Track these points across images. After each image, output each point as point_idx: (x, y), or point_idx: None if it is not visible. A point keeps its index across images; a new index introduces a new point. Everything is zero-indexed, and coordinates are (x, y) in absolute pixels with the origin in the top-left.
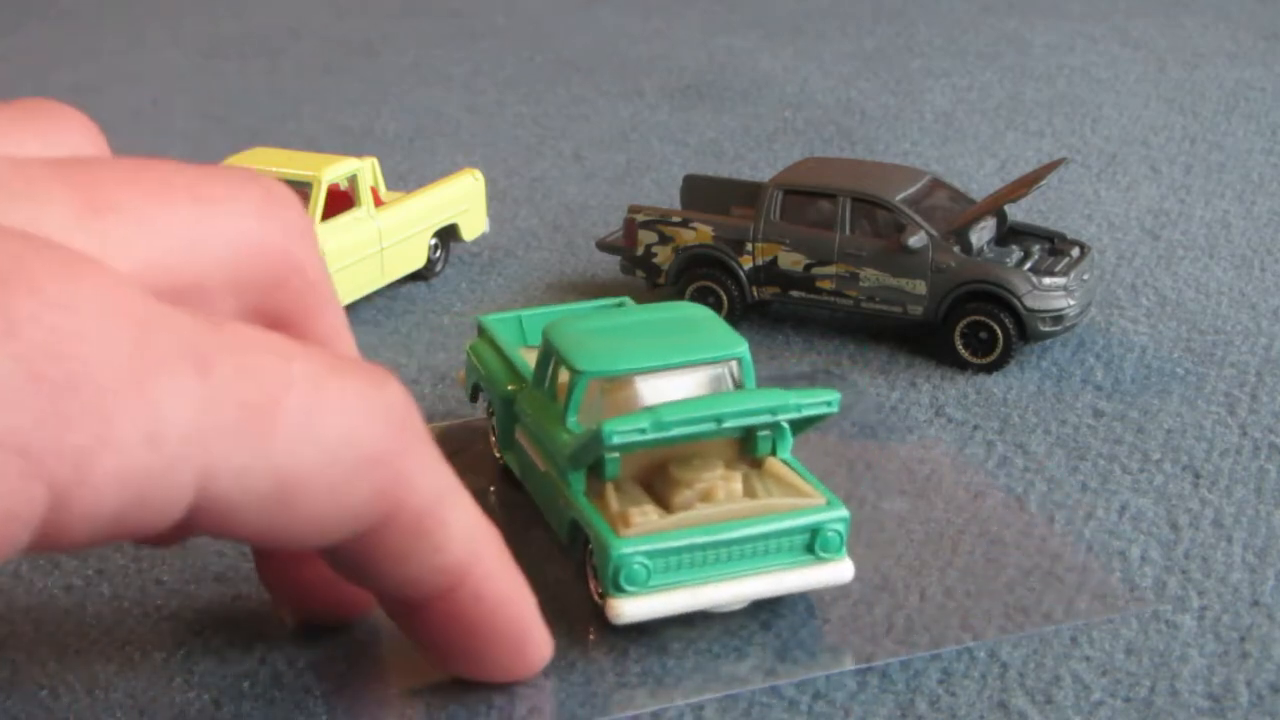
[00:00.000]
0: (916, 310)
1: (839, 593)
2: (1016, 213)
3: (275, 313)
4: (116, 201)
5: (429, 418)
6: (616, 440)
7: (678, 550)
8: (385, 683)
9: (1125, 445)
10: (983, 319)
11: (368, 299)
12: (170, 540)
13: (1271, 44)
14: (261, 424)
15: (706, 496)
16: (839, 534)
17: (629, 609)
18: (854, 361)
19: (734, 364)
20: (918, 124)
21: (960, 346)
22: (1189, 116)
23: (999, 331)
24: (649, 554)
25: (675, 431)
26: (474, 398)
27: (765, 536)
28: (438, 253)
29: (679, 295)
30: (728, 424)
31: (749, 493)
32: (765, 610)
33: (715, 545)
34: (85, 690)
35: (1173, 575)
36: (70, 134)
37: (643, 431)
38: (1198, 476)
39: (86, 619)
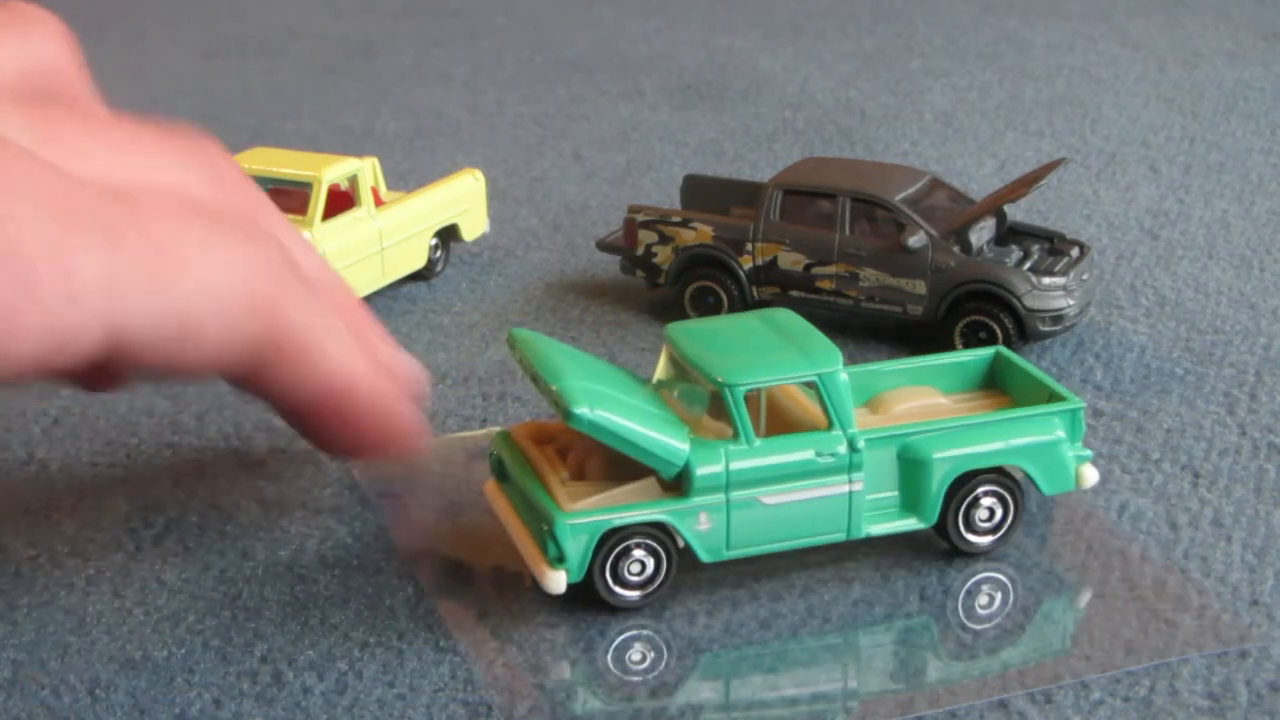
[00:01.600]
0: (916, 310)
1: (839, 593)
2: (1016, 213)
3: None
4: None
5: (429, 418)
6: None
7: None
8: (386, 683)
9: (1125, 445)
10: (982, 319)
11: (368, 299)
12: (99, 383)
13: (1271, 44)
14: (164, 280)
15: None
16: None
17: None
18: (854, 361)
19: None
20: (918, 124)
21: (960, 346)
22: (1188, 116)
23: (999, 331)
24: None
25: None
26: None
27: None
28: (438, 253)
29: (679, 295)
30: None
31: None
32: (765, 610)
33: None
34: (86, 690)
35: (1172, 575)
36: (41, 40)
37: None
38: (1197, 476)
39: (87, 619)
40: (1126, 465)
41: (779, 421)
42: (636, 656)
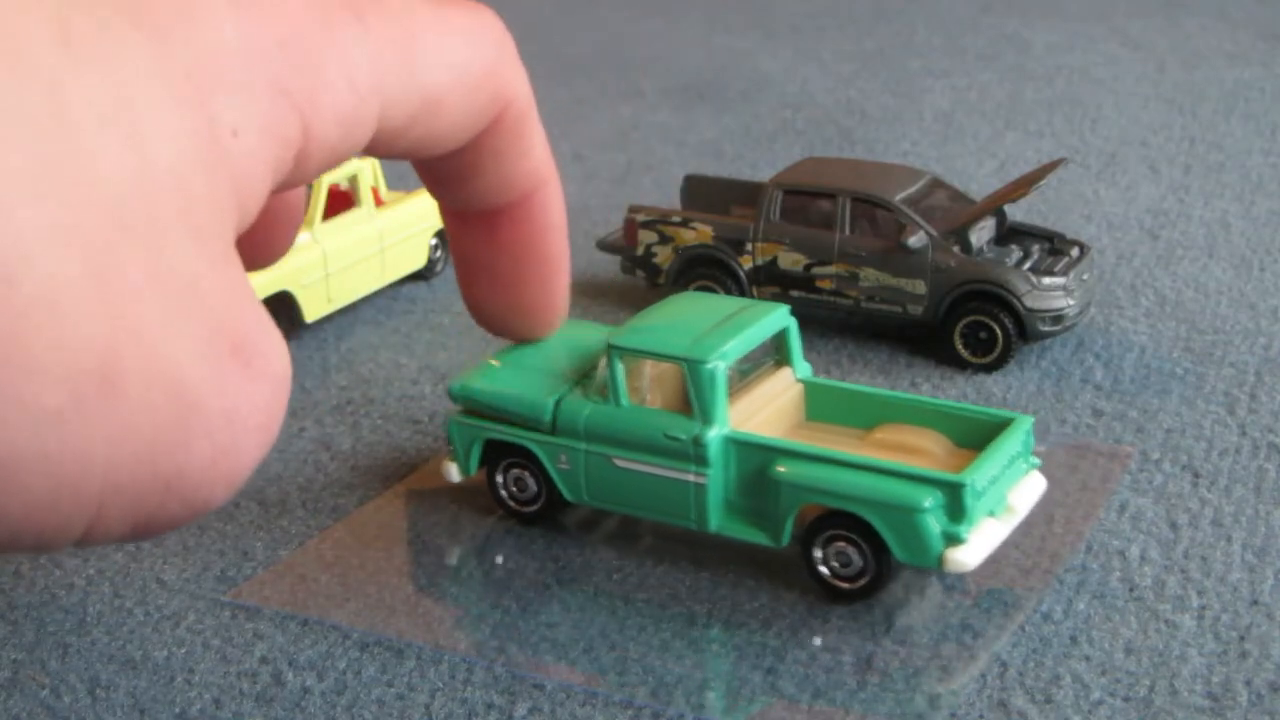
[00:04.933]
0: (916, 310)
1: (839, 592)
2: (1016, 213)
3: None
4: None
5: (429, 417)
6: None
7: None
8: (386, 683)
9: (1125, 445)
10: (982, 319)
11: (368, 299)
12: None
13: (1271, 44)
14: (409, 55)
15: None
16: None
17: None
18: (854, 361)
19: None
20: (918, 124)
21: (960, 346)
22: (1188, 117)
23: (999, 331)
24: None
25: None
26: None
27: None
28: (438, 252)
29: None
30: None
31: None
32: (765, 609)
33: None
34: (86, 690)
35: (1172, 574)
36: None
37: None
38: (1197, 476)
39: (87, 619)
40: (1126, 465)
41: (675, 398)
42: (637, 655)
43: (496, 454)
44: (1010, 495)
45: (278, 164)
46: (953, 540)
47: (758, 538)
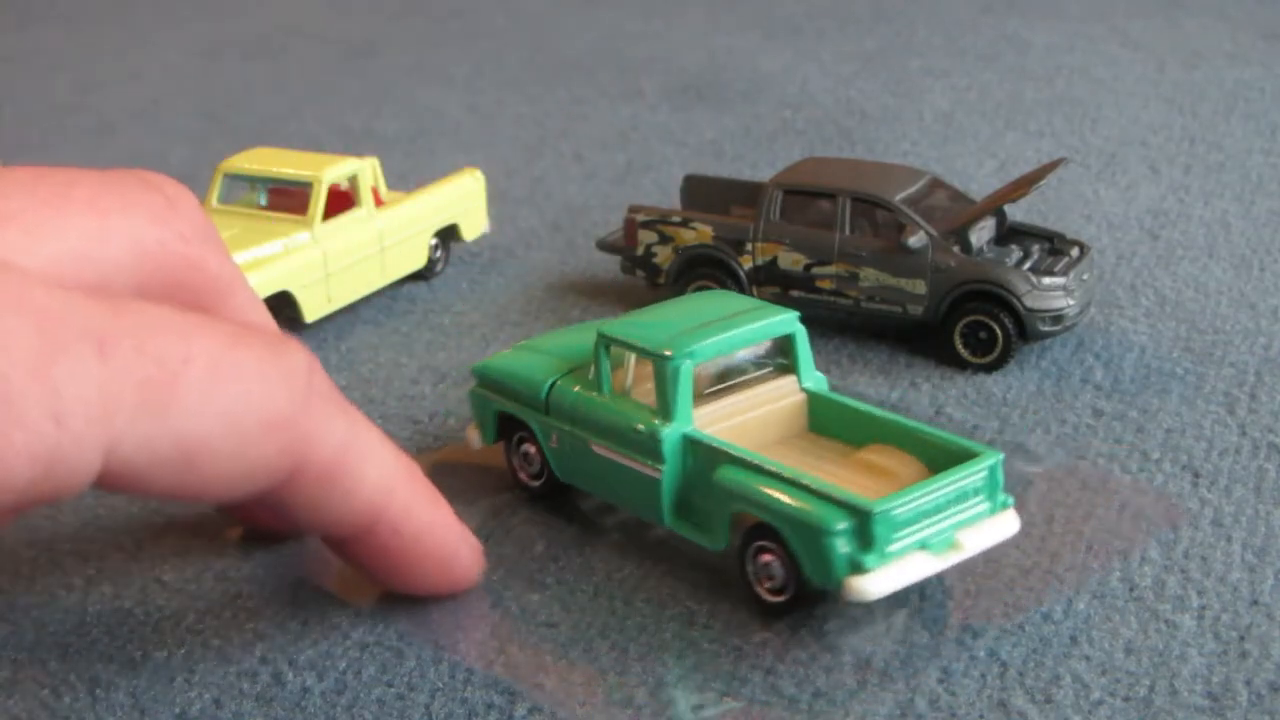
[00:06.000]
0: (916, 310)
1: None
2: (1016, 213)
3: (183, 304)
4: (14, 211)
5: (429, 417)
6: None
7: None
8: (386, 683)
9: (1125, 445)
10: (982, 319)
11: (368, 299)
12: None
13: (1271, 44)
14: (160, 398)
15: None
16: None
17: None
18: (854, 361)
19: None
20: (918, 124)
21: (960, 346)
22: (1188, 116)
23: (999, 331)
24: None
25: None
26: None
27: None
28: (438, 253)
29: (679, 295)
30: None
31: None
32: (765, 609)
33: None
34: (86, 690)
35: (1172, 575)
36: None
37: None
38: (1197, 476)
39: (87, 619)
40: (1126, 465)
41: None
42: (636, 655)
43: (511, 428)
44: (961, 534)
45: None
46: (856, 567)
47: (701, 539)
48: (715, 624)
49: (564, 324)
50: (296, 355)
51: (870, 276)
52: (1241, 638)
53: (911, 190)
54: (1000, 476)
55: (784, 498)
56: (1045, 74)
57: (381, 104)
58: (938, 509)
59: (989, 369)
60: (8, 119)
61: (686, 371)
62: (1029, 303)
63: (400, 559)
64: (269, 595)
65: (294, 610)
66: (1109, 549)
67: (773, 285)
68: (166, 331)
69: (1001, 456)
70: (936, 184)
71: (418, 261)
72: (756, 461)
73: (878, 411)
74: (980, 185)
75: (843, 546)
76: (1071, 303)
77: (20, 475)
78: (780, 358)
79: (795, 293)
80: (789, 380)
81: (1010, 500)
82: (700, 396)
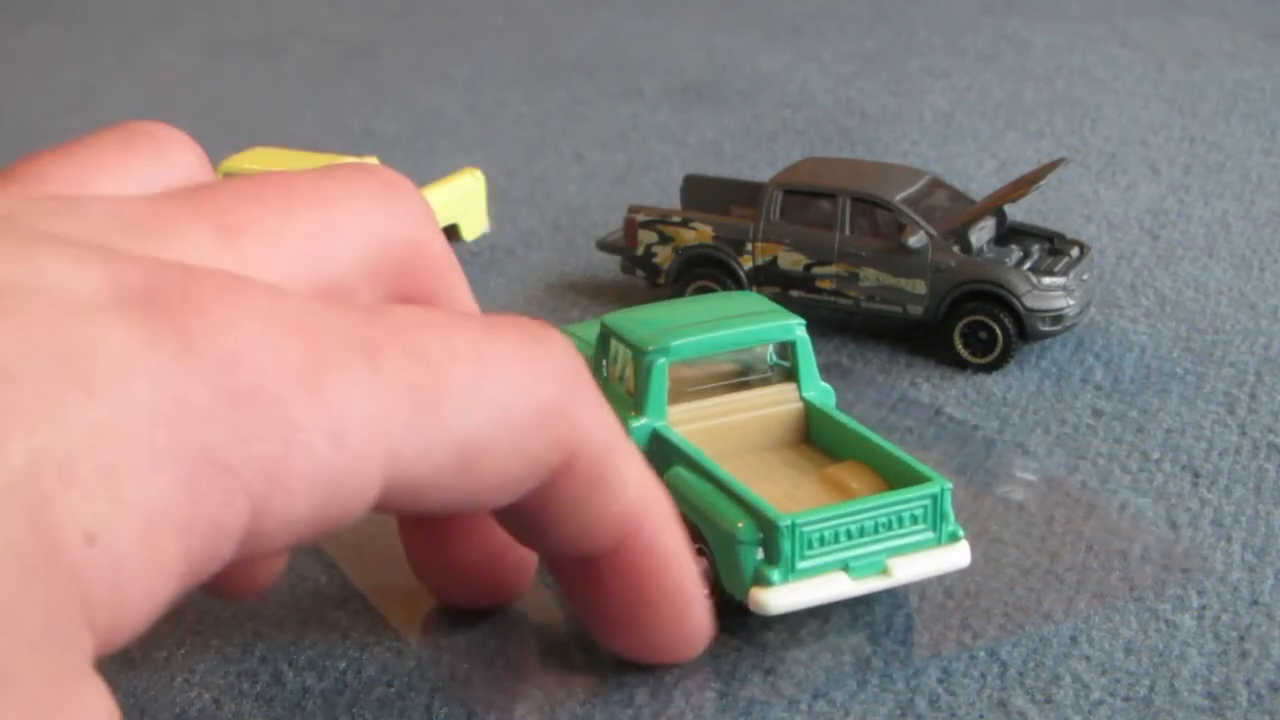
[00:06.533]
0: (916, 310)
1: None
2: (1016, 213)
3: (410, 294)
4: (245, 222)
5: None
6: None
7: None
8: (386, 683)
9: (1125, 445)
10: (982, 319)
11: None
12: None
13: (1271, 44)
14: (435, 400)
15: None
16: None
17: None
18: (853, 361)
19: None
20: (918, 124)
21: (960, 346)
22: (1188, 116)
23: (999, 331)
24: None
25: None
26: None
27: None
28: None
29: (679, 295)
30: None
31: None
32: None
33: None
34: None
35: (1172, 575)
36: (175, 154)
37: None
38: (1197, 476)
39: None
40: (1126, 465)
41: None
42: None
43: None
44: (893, 560)
45: (198, 557)
46: (760, 579)
47: None
48: (715, 624)
49: (564, 324)
50: (557, 339)
51: (870, 276)
52: (1241, 638)
53: (911, 190)
54: (947, 507)
55: (709, 503)
56: (1045, 74)
57: (381, 104)
58: (864, 531)
59: (989, 369)
60: (8, 119)
61: (660, 368)
62: (1029, 303)
63: (645, 587)
64: (269, 595)
65: (294, 610)
66: (1109, 549)
67: (773, 285)
68: (425, 329)
69: (948, 486)
70: (936, 184)
71: None
72: (704, 465)
73: (855, 426)
74: (980, 185)
75: (751, 557)
76: (1071, 303)
77: (302, 506)
78: (787, 363)
79: (795, 293)
80: (789, 388)
81: (961, 532)
82: (687, 394)
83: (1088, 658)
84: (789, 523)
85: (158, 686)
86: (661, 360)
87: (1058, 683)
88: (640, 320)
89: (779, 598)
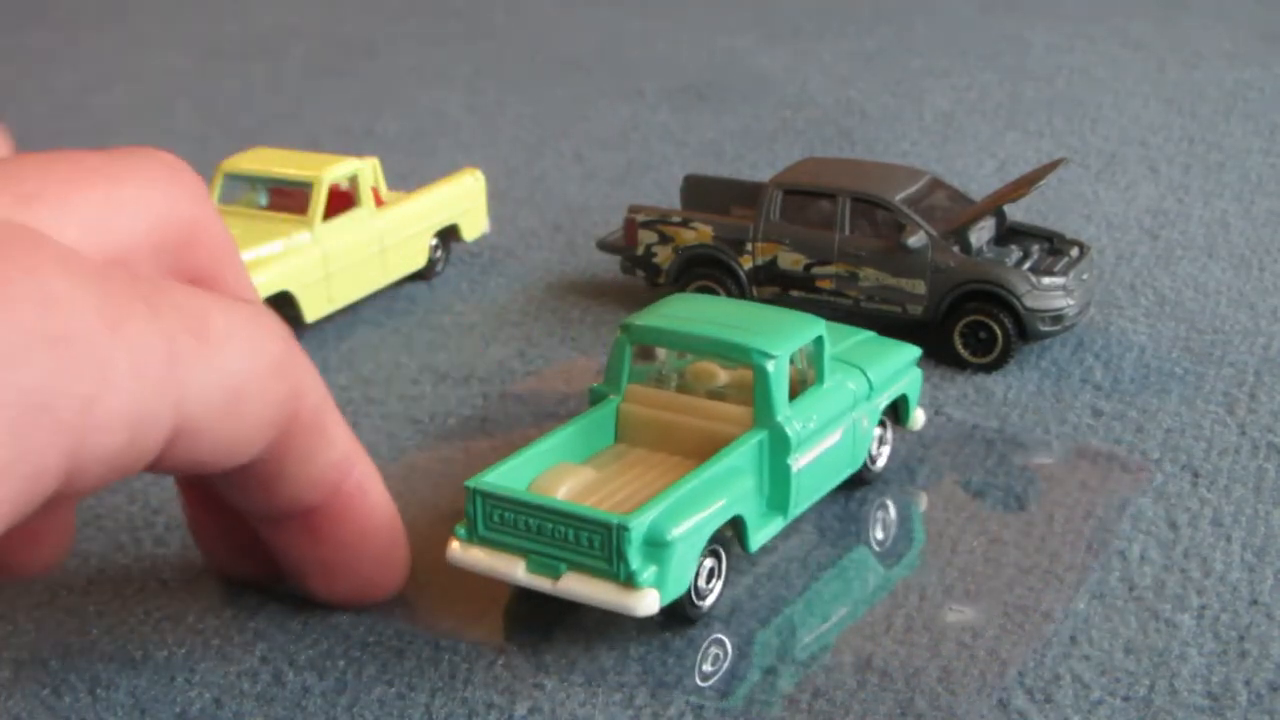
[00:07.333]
0: (916, 310)
1: (838, 592)
2: (1016, 213)
3: (189, 269)
4: (38, 190)
5: (429, 418)
6: None
7: None
8: (386, 682)
9: (1125, 445)
10: (982, 318)
11: (368, 299)
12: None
13: (1271, 44)
14: (204, 344)
15: None
16: None
17: None
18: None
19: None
20: (918, 124)
21: (960, 346)
22: (1188, 117)
23: (998, 331)
24: None
25: None
26: None
27: None
28: (438, 253)
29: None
30: None
31: None
32: (764, 609)
33: None
34: (86, 690)
35: (1172, 574)
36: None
37: None
38: (1196, 476)
39: (87, 618)
40: (1126, 465)
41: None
42: (636, 655)
43: None
44: (570, 573)
45: (21, 498)
46: (459, 535)
47: None
48: (715, 622)
49: (564, 324)
50: (273, 314)
51: (870, 276)
52: (1241, 638)
53: (911, 190)
54: (625, 548)
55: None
56: (1045, 74)
57: (381, 104)
58: (542, 530)
59: (989, 369)
60: (8, 119)
61: (622, 344)
62: (1029, 303)
63: (360, 525)
64: (269, 595)
65: (294, 610)
66: (1109, 549)
67: (773, 285)
68: (181, 290)
69: (629, 527)
70: (936, 184)
71: (418, 261)
72: (555, 434)
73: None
74: (980, 185)
75: (468, 511)
76: (1071, 303)
77: (115, 443)
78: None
79: (795, 293)
80: (746, 412)
81: (644, 579)
82: (662, 381)
83: (1088, 658)
84: (474, 486)
85: (158, 686)
86: (623, 338)
87: (1058, 683)
88: (657, 311)
89: (458, 553)
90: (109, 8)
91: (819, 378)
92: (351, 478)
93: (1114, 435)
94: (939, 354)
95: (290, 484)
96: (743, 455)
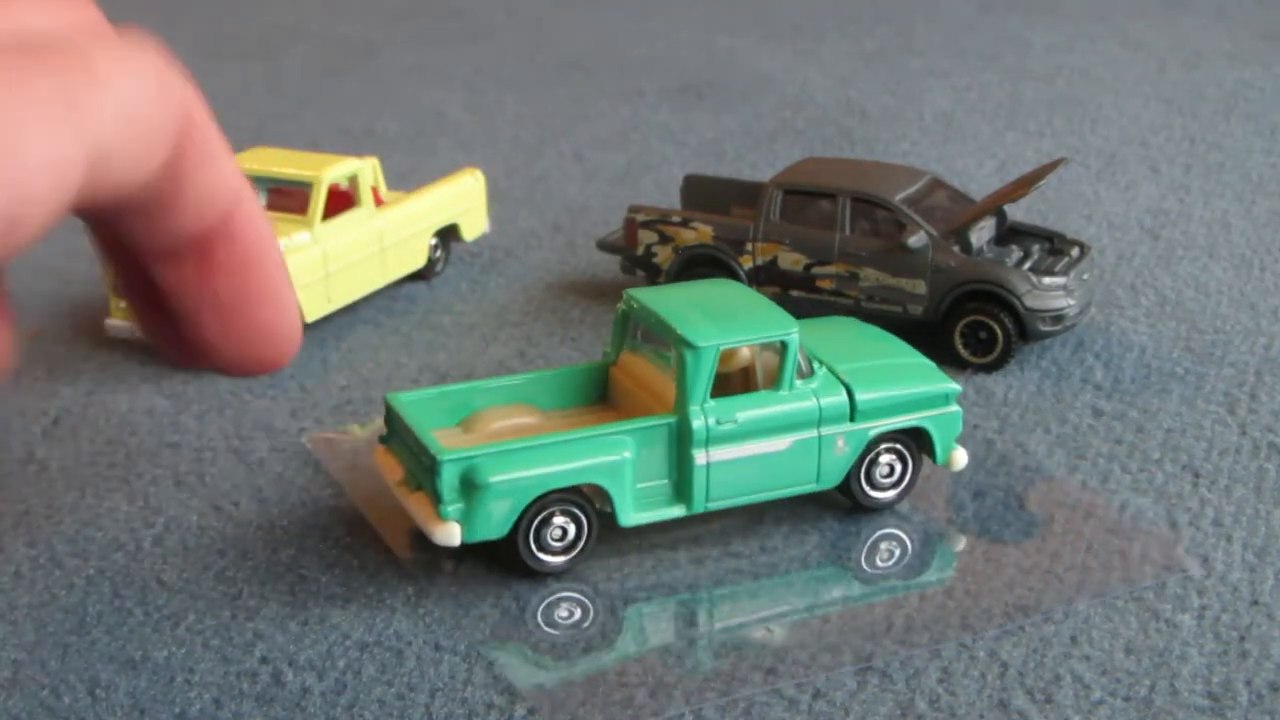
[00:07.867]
0: (916, 310)
1: (838, 592)
2: (1016, 213)
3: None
4: None
5: None
6: None
7: None
8: (386, 683)
9: (1125, 445)
10: (982, 319)
11: (368, 299)
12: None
13: (1271, 44)
14: (93, 77)
15: None
16: None
17: None
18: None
19: None
20: (918, 124)
21: (960, 346)
22: (1188, 117)
23: (999, 331)
24: None
25: None
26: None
27: None
28: (438, 253)
29: None
30: None
31: None
32: (765, 608)
33: None
34: (86, 690)
35: (1172, 575)
36: None
37: None
38: (1197, 476)
39: (87, 619)
40: (1126, 465)
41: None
42: (637, 656)
43: None
44: (419, 493)
45: None
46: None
47: None
48: (714, 624)
49: (564, 324)
50: (144, 34)
51: (870, 276)
52: (1241, 638)
53: (911, 190)
54: (439, 481)
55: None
56: (1045, 74)
57: (381, 104)
58: (411, 450)
59: (989, 369)
60: None
61: (618, 312)
62: (1029, 303)
63: (251, 257)
64: (269, 595)
65: (294, 610)
66: (1109, 549)
67: (773, 285)
68: (59, 35)
69: (435, 458)
70: (936, 184)
71: (418, 261)
72: (524, 376)
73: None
74: (980, 185)
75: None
76: (1071, 303)
77: (46, 191)
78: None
79: (795, 292)
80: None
81: (450, 513)
82: (644, 348)
83: (1088, 658)
84: (388, 399)
85: (158, 686)
86: (620, 307)
87: (1058, 683)
88: (659, 291)
89: (379, 457)
90: (108, 8)
91: (780, 382)
92: (243, 206)
93: (1114, 435)
94: (939, 354)
95: (191, 194)
96: (632, 432)
